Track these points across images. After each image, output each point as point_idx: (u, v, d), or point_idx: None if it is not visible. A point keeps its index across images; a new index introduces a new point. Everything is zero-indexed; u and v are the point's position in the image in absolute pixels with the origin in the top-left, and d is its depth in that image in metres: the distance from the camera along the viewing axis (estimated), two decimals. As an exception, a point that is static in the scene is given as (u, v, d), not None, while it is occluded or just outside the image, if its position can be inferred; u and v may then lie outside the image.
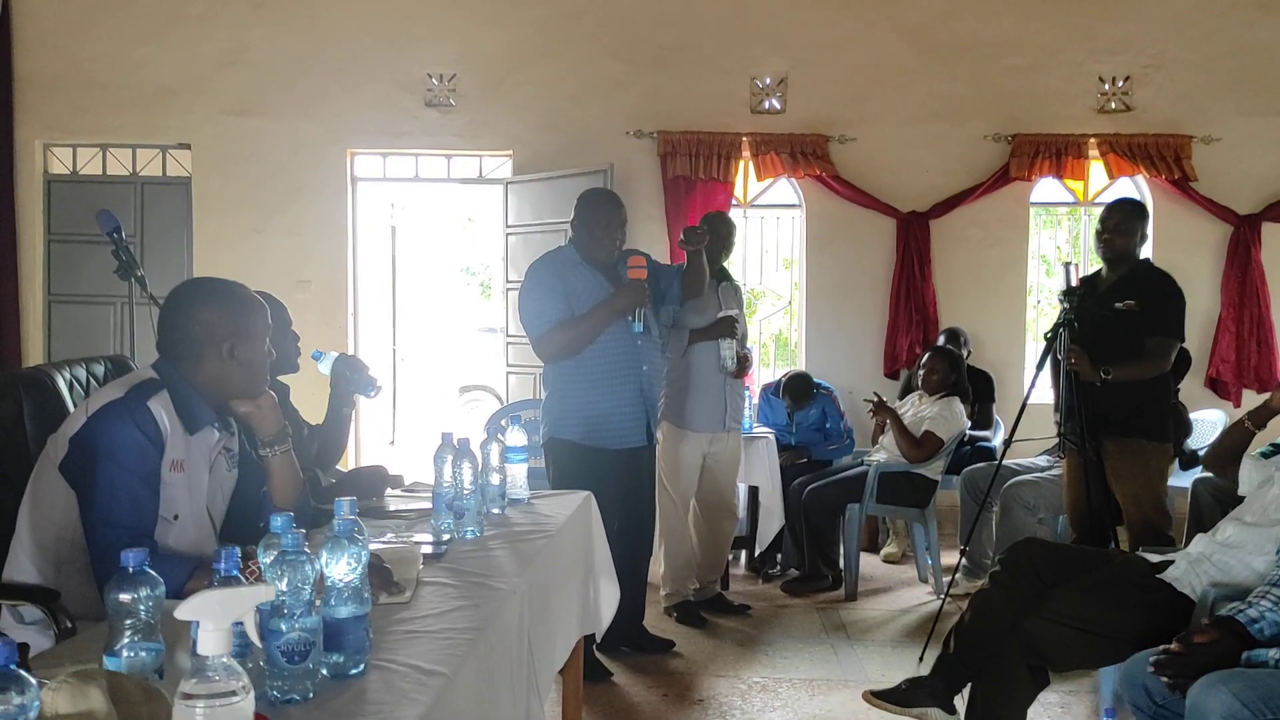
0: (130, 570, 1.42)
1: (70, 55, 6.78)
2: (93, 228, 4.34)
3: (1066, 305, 4.05)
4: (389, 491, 3.15)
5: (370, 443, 7.84)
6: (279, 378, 3.09)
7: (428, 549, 2.38)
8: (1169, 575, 2.95)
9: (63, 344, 6.80)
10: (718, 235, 4.71)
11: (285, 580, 1.48)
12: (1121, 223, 4.08)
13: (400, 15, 6.76)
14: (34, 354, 6.82)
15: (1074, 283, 4.08)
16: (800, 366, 6.66)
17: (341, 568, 1.58)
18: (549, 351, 3.93)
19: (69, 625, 2.07)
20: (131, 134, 6.88)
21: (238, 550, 1.42)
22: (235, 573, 1.40)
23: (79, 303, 6.84)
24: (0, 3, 6.68)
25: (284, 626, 1.47)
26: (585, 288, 3.91)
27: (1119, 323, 3.97)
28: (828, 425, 5.82)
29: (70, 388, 3.04)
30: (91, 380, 3.18)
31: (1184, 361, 4.99)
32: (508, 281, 6.91)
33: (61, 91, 6.79)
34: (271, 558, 1.54)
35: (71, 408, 2.70)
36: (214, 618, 1.15)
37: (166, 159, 7.00)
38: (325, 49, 6.76)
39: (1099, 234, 4.13)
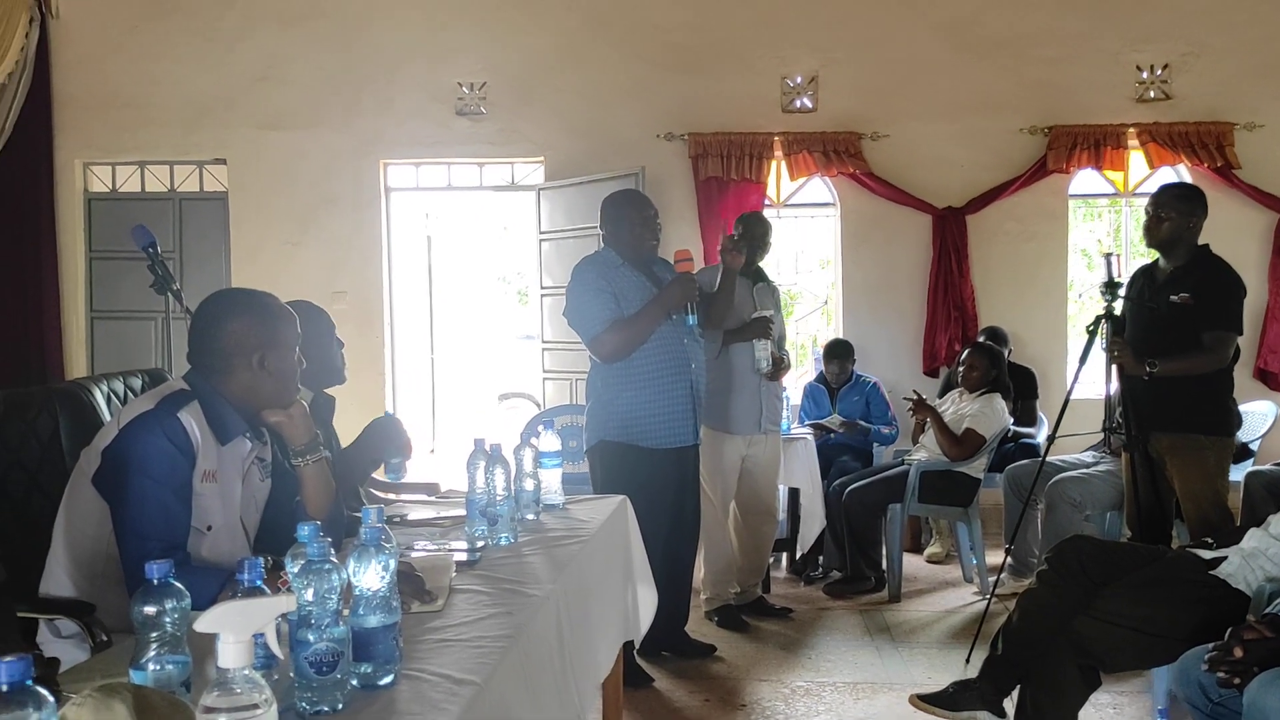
0: (155, 582, 1.41)
1: (107, 76, 6.87)
2: (133, 244, 4.37)
3: (1108, 297, 3.96)
4: (429, 497, 3.15)
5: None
6: (325, 390, 3.06)
7: (461, 556, 2.36)
8: (1222, 571, 2.87)
9: (105, 359, 6.88)
10: (753, 235, 4.70)
11: (312, 590, 1.45)
12: (1163, 206, 3.93)
13: (430, 26, 6.79)
14: (77, 370, 6.90)
15: (1116, 274, 3.99)
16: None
17: (370, 576, 1.56)
18: (605, 351, 3.90)
19: (104, 638, 2.07)
20: (169, 151, 6.96)
21: (261, 561, 1.40)
22: (259, 583, 1.38)
23: (120, 318, 6.93)
24: (39, 27, 6.79)
25: (312, 637, 1.45)
26: (630, 288, 3.90)
27: (1175, 316, 3.86)
28: (873, 417, 5.78)
29: (108, 401, 3.06)
30: (129, 393, 3.20)
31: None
32: (542, 288, 6.90)
33: (100, 111, 6.88)
34: (298, 567, 1.52)
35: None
36: (234, 629, 1.13)
37: (203, 174, 7.07)
38: (356, 62, 6.80)
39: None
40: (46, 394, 2.73)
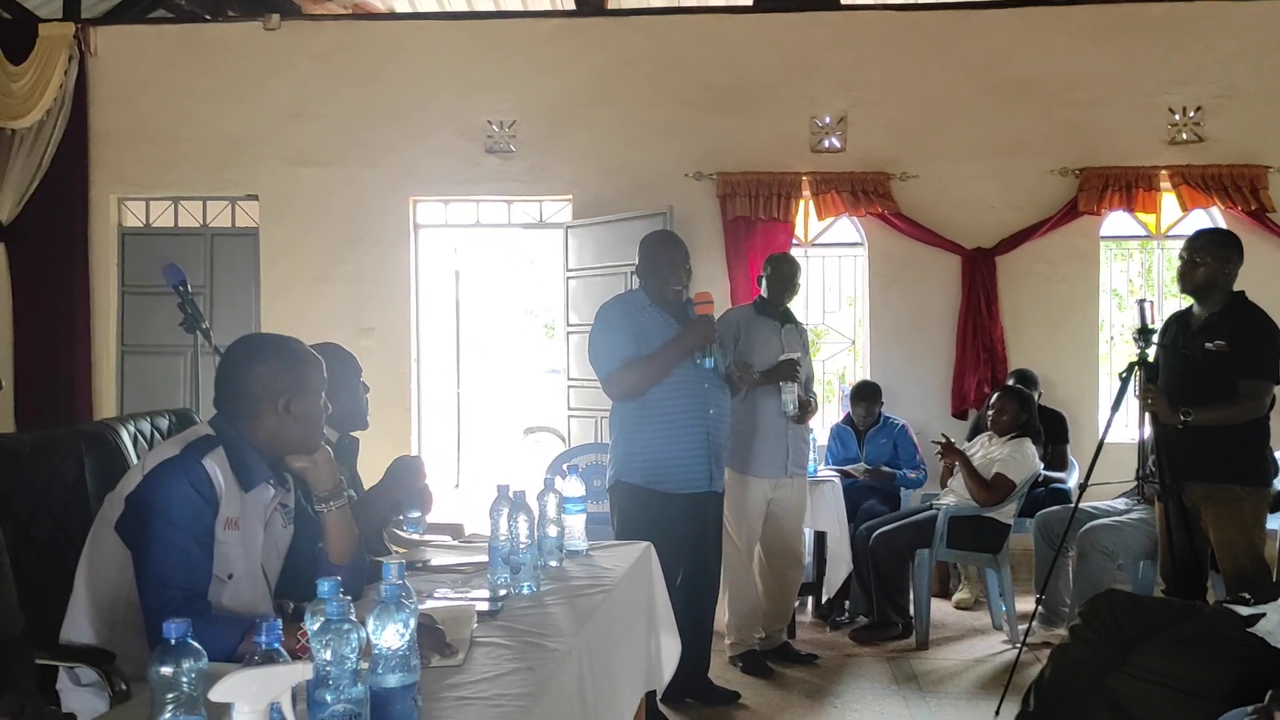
0: (173, 642, 1.39)
1: (143, 112, 6.97)
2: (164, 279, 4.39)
3: (1141, 344, 3.91)
4: (452, 539, 3.13)
5: (434, 486, 7.84)
6: (351, 434, 3.05)
7: (483, 605, 2.33)
8: (1261, 629, 2.79)
9: (135, 394, 6.94)
10: (781, 276, 4.68)
11: (330, 650, 1.43)
12: (1198, 251, 3.87)
13: (460, 64, 6.85)
14: (107, 405, 6.96)
15: (1149, 321, 3.93)
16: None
17: (389, 635, 1.54)
18: (618, 390, 3.89)
19: (123, 687, 2.05)
20: (201, 187, 7.04)
21: (279, 623, 1.38)
22: (276, 645, 1.36)
23: (151, 353, 6.99)
24: (78, 64, 6.91)
25: (329, 698, 1.43)
26: (655, 329, 3.89)
27: (1210, 363, 3.79)
28: (900, 460, 5.72)
29: (135, 442, 3.06)
30: (156, 434, 3.21)
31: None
32: (569, 325, 6.90)
33: (135, 147, 6.98)
34: (318, 625, 1.50)
35: (135, 462, 2.70)
36: (249, 699, 1.11)
37: (235, 210, 7.14)
38: (387, 99, 6.86)
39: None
40: (73, 435, 2.72)
